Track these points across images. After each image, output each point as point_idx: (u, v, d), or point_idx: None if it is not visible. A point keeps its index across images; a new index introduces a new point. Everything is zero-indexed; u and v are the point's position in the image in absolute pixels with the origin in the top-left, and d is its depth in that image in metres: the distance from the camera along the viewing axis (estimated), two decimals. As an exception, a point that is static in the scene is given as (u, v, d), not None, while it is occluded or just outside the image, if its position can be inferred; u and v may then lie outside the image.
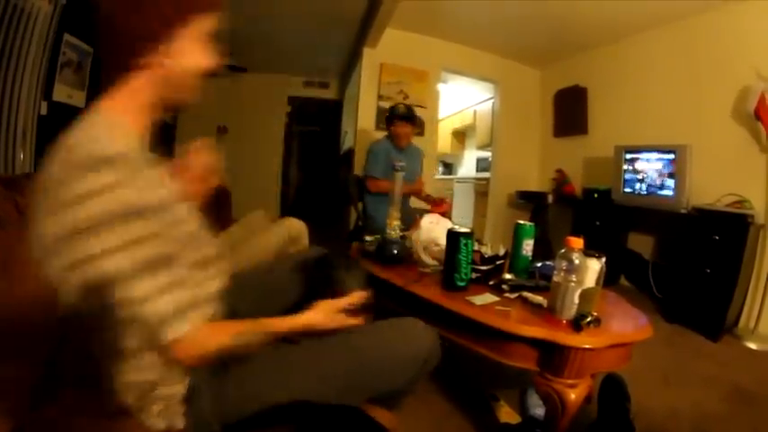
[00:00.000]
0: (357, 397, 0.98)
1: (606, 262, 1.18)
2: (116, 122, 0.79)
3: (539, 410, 1.47)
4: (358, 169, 4.31)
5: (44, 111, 3.62)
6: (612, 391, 1.43)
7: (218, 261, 0.97)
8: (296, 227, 1.79)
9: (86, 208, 0.66)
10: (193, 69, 0.84)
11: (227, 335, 0.84)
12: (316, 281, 1.19)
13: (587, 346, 1.10)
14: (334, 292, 1.04)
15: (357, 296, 1.03)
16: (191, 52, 0.83)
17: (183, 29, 0.80)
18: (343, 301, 1.01)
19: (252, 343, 0.89)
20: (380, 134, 4.47)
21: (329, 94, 7.16)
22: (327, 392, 0.94)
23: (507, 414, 1.57)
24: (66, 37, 3.77)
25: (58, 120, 3.77)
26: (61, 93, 3.85)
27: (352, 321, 1.02)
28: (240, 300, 1.07)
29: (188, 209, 0.88)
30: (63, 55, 3.79)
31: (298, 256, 1.46)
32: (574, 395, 1.14)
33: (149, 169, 0.77)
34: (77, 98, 4.09)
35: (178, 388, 0.85)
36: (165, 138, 6.61)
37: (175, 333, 0.74)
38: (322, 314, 0.98)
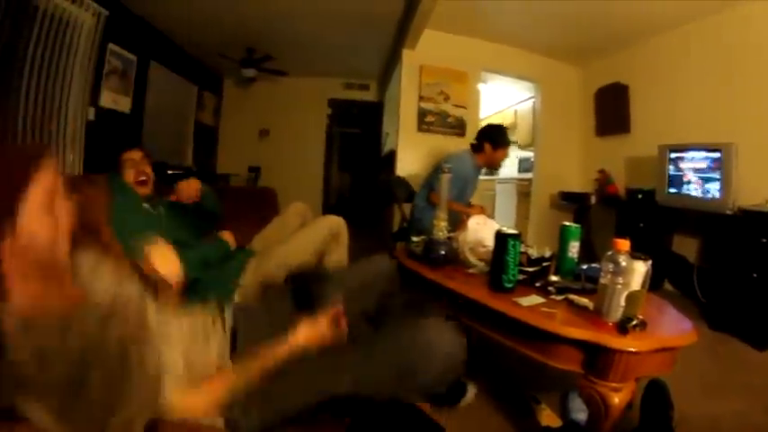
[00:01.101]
0: (392, 392, 1.04)
1: (651, 265, 1.18)
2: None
3: (580, 415, 1.47)
4: (401, 171, 4.36)
5: (92, 116, 3.88)
6: (656, 397, 1.42)
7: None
8: (336, 223, 1.85)
9: None
10: (43, 243, 0.75)
11: (223, 387, 0.92)
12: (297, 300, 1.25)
13: (632, 350, 1.09)
14: (310, 307, 1.12)
15: (329, 309, 1.11)
16: (32, 227, 0.74)
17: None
18: (321, 319, 1.09)
19: (247, 386, 0.96)
20: (423, 136, 4.56)
21: (369, 96, 7.23)
22: (365, 386, 1.00)
23: (548, 417, 1.57)
24: (111, 46, 4.03)
25: (105, 124, 4.04)
26: (107, 99, 4.12)
27: (333, 332, 1.10)
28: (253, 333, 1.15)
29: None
30: (108, 63, 4.05)
31: (373, 264, 1.57)
32: (617, 399, 1.14)
33: None
34: (123, 103, 4.37)
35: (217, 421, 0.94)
36: (209, 141, 6.83)
37: (163, 409, 0.81)
38: (302, 335, 1.06)
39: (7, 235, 0.72)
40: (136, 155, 1.83)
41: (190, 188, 1.94)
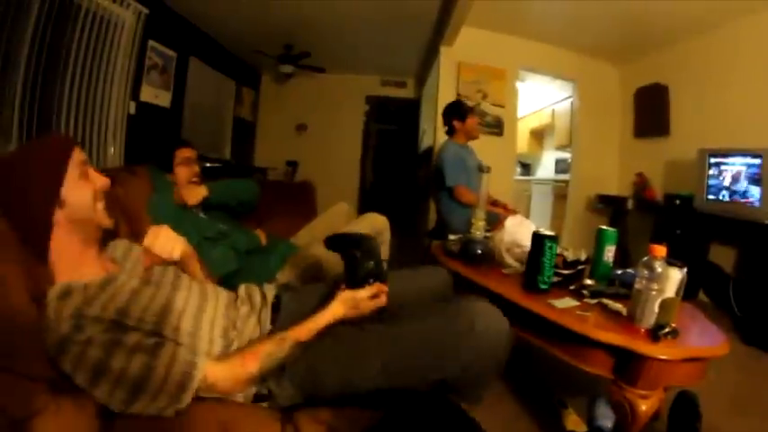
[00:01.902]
0: (410, 383, 0.99)
1: (686, 273, 1.17)
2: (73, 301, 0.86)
3: (605, 422, 1.47)
4: (434, 168, 4.41)
5: (132, 110, 4.02)
6: (684, 408, 1.40)
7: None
8: (380, 221, 1.88)
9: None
10: (86, 203, 0.95)
11: (255, 360, 0.93)
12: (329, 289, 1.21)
13: (663, 357, 1.09)
14: (353, 275, 1.09)
15: (377, 287, 1.09)
16: (75, 195, 0.93)
17: (63, 182, 0.91)
18: (363, 293, 1.07)
19: (282, 358, 0.97)
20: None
21: (406, 93, 7.24)
22: (380, 379, 0.99)
23: (574, 422, 1.56)
24: (151, 43, 4.17)
25: (146, 118, 4.18)
26: (148, 93, 4.26)
27: (375, 305, 1.09)
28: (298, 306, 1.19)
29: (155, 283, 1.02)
30: (148, 59, 4.18)
31: (432, 278, 1.50)
32: (645, 407, 1.15)
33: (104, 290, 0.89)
34: (163, 98, 4.50)
35: (249, 390, 0.98)
36: (247, 135, 6.97)
37: (195, 381, 0.85)
38: (343, 306, 1.06)
39: (56, 206, 0.89)
40: (190, 153, 1.84)
41: (191, 196, 1.83)
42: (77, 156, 0.95)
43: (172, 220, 1.42)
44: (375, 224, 1.87)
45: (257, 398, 0.99)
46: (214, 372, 0.89)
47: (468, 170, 3.04)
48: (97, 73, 3.65)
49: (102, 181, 0.99)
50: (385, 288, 1.11)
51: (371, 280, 1.09)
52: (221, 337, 1.03)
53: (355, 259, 1.10)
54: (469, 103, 3.29)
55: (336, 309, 1.06)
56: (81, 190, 0.94)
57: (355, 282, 1.09)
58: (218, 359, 0.94)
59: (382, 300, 1.11)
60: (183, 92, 4.95)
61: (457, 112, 3.22)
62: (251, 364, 0.93)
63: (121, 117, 3.94)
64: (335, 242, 1.19)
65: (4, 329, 0.79)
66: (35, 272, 0.90)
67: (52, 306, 0.83)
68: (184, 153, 1.82)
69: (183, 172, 1.80)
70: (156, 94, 4.42)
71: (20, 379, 0.77)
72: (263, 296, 1.22)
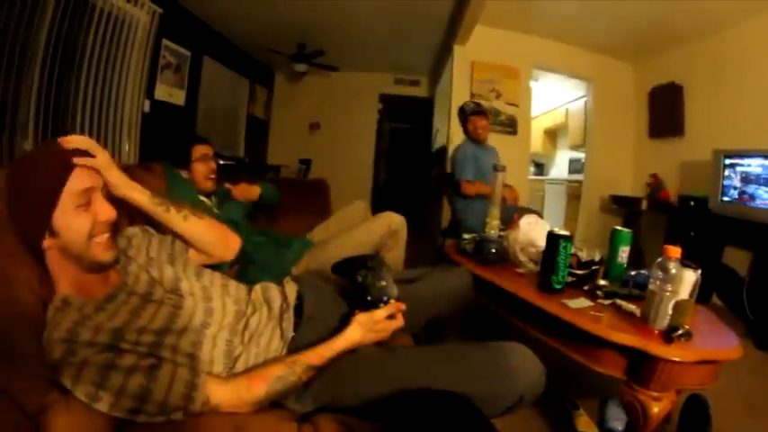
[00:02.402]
0: None
1: (701, 275, 1.17)
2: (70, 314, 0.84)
3: (616, 424, 1.47)
4: (450, 167, 4.43)
5: (147, 108, 4.08)
6: (695, 411, 1.40)
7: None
8: (396, 221, 1.86)
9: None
10: (80, 234, 0.86)
11: (263, 383, 0.90)
12: (348, 289, 1.17)
13: (676, 359, 1.09)
14: (365, 298, 1.06)
15: (394, 306, 1.06)
16: (70, 223, 0.85)
17: (55, 209, 0.84)
18: (380, 314, 1.04)
19: (293, 382, 0.93)
20: None
21: (420, 91, 7.24)
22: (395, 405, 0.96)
23: (585, 423, 1.57)
24: (165, 42, 4.22)
25: (160, 116, 4.23)
26: (162, 92, 4.32)
27: (394, 327, 1.07)
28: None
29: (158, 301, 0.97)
30: (163, 58, 4.24)
31: (454, 280, 1.49)
32: (657, 408, 1.15)
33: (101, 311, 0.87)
34: (177, 96, 4.56)
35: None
36: (260, 133, 7.01)
37: (197, 402, 0.83)
38: (360, 330, 1.03)
39: (47, 233, 0.84)
40: (207, 150, 1.85)
41: (249, 193, 2.01)
42: (78, 182, 0.87)
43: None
44: (391, 223, 1.85)
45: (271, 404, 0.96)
46: (217, 393, 0.87)
47: (483, 168, 3.09)
48: (112, 71, 3.70)
49: (105, 214, 0.90)
50: (402, 306, 1.08)
51: (385, 299, 1.06)
52: (224, 356, 0.98)
53: (365, 281, 1.07)
54: (471, 105, 3.32)
55: (353, 334, 1.03)
56: (75, 222, 0.86)
57: (369, 303, 1.06)
58: (224, 380, 0.92)
59: (399, 321, 1.09)
60: (197, 90, 5.01)
61: (459, 116, 3.36)
62: (257, 387, 0.90)
63: (136, 115, 4.00)
64: (342, 267, 1.16)
65: (17, 329, 0.81)
66: (47, 277, 0.91)
67: (50, 318, 0.83)
68: (202, 149, 1.83)
69: (201, 168, 1.81)
70: (170, 93, 4.49)
71: (34, 376, 0.79)
72: (285, 297, 1.19)
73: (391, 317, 1.07)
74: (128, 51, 3.81)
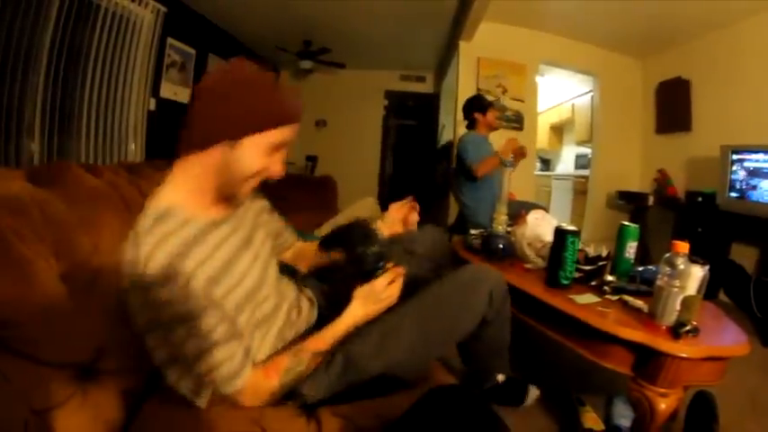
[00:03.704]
0: (438, 348, 1.11)
1: (708, 271, 1.17)
2: (166, 228, 0.85)
3: (623, 421, 1.47)
4: (455, 159, 4.41)
5: (152, 106, 4.11)
6: (702, 408, 1.40)
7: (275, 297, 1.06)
8: (369, 201, 1.90)
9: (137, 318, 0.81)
10: (248, 169, 0.89)
11: (276, 374, 0.92)
12: (341, 265, 1.15)
13: (684, 355, 1.09)
14: (361, 268, 1.03)
15: (393, 272, 1.04)
16: (251, 155, 0.87)
17: (255, 135, 0.87)
18: (380, 282, 1.02)
19: (301, 371, 0.96)
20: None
21: (425, 87, 7.23)
22: (411, 352, 1.03)
23: (592, 420, 1.56)
24: (170, 41, 4.25)
25: (165, 114, 4.25)
26: (167, 90, 4.34)
27: (396, 291, 1.05)
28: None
29: (250, 261, 0.99)
30: (168, 57, 4.27)
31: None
32: (664, 405, 1.15)
33: (203, 240, 0.88)
34: (182, 95, 4.57)
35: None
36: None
37: (234, 388, 0.86)
38: (362, 305, 1.03)
39: (229, 142, 0.86)
40: None
41: None
42: (288, 133, 0.91)
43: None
44: (366, 205, 1.89)
45: (285, 396, 0.98)
46: (246, 382, 0.88)
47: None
48: (117, 70, 3.73)
49: (278, 172, 0.93)
50: (402, 270, 1.06)
51: (382, 263, 1.03)
52: (275, 339, 1.02)
53: (356, 248, 1.03)
54: (489, 98, 3.29)
55: (355, 310, 1.03)
56: (254, 158, 0.88)
57: (367, 272, 1.02)
58: (252, 370, 0.92)
59: (399, 284, 1.05)
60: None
61: (479, 105, 3.27)
62: (272, 379, 0.92)
63: (142, 113, 4.02)
64: (329, 241, 1.14)
65: (29, 315, 0.79)
66: (65, 248, 0.91)
67: (148, 228, 0.82)
68: None
69: None
70: (175, 91, 4.50)
71: (45, 368, 0.79)
72: (308, 299, 1.22)
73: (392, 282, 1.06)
74: (132, 50, 3.83)
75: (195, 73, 4.81)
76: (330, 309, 1.12)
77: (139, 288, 0.78)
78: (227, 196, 0.94)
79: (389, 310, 1.06)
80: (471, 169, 3.03)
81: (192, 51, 4.71)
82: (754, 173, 3.12)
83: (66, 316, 0.86)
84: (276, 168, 0.92)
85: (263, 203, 1.15)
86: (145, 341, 0.82)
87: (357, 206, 2.19)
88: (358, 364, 1.00)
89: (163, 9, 3.99)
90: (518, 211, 1.92)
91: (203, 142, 0.87)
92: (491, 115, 3.24)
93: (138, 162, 2.21)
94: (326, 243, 1.15)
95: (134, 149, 3.97)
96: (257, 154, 0.88)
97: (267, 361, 0.97)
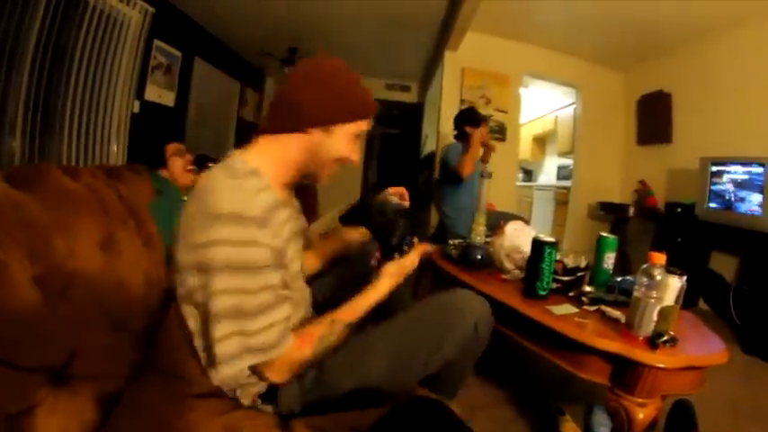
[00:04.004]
0: (413, 371, 1.04)
1: (686, 282, 1.17)
2: (255, 183, 0.92)
3: (603, 430, 1.47)
4: (439, 168, 4.39)
5: (136, 109, 4.02)
6: (681, 417, 1.40)
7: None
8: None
9: (211, 252, 0.81)
10: (336, 154, 1.00)
11: (310, 344, 0.95)
12: (373, 236, 1.19)
13: (661, 365, 1.09)
14: (388, 243, 1.08)
15: (421, 248, 1.13)
16: (341, 141, 0.99)
17: (347, 123, 0.98)
18: (411, 259, 1.11)
19: (333, 341, 0.99)
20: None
21: (410, 97, 7.25)
22: (384, 371, 1.01)
23: (571, 429, 1.57)
24: (157, 42, 4.17)
25: (150, 117, 4.17)
26: (152, 93, 4.26)
27: (415, 266, 1.12)
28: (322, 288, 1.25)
29: (296, 250, 1.06)
30: (154, 59, 4.19)
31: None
32: (642, 414, 1.15)
33: (267, 225, 0.90)
34: (167, 98, 4.51)
35: (261, 385, 0.99)
36: (249, 137, 7.03)
37: (279, 353, 0.88)
38: (390, 280, 1.09)
39: (322, 127, 0.97)
40: (180, 146, 1.95)
41: None
42: (366, 124, 1.03)
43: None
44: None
45: (264, 397, 0.99)
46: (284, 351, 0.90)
47: (472, 174, 3.04)
48: (102, 70, 3.65)
49: (357, 158, 1.05)
50: (429, 248, 1.14)
51: (408, 238, 1.08)
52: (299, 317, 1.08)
53: (385, 224, 1.08)
54: (479, 113, 3.24)
55: (383, 286, 1.08)
56: (340, 144, 0.99)
57: (393, 248, 1.07)
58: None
59: (415, 261, 1.13)
60: (187, 92, 4.96)
61: (471, 118, 3.17)
62: (306, 348, 0.95)
63: (125, 115, 3.94)
64: (354, 215, 1.20)
65: (4, 319, 0.78)
66: (39, 251, 0.90)
67: (232, 177, 0.88)
68: (175, 146, 1.93)
69: (178, 162, 1.89)
70: (160, 94, 4.43)
71: (18, 372, 0.77)
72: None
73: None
74: (119, 51, 3.76)
75: (180, 76, 4.75)
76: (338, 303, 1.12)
77: (224, 225, 0.80)
78: (306, 175, 1.04)
79: (370, 326, 1.08)
80: (456, 171, 3.00)
81: (179, 54, 4.65)
82: (732, 184, 3.17)
83: (39, 320, 0.84)
84: (355, 156, 1.04)
85: (297, 203, 1.19)
86: (192, 298, 0.87)
87: (329, 215, 2.19)
88: (331, 377, 0.99)
89: (151, 10, 3.93)
90: (497, 222, 1.92)
91: (301, 123, 0.96)
92: (484, 130, 3.15)
93: (117, 165, 2.19)
94: (350, 216, 1.22)
95: (116, 151, 3.89)
96: (345, 141, 1.00)
97: (299, 330, 0.98)
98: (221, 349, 0.83)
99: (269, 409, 0.99)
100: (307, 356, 0.94)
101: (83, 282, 0.98)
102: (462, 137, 3.19)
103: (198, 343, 0.93)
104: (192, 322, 0.92)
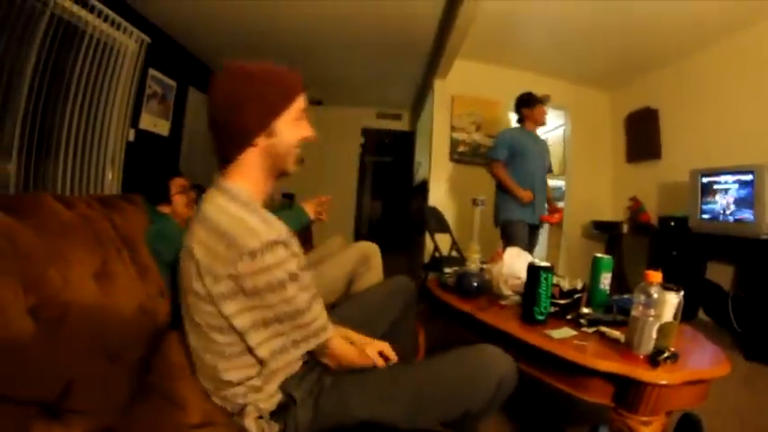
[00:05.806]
0: (432, 417, 1.06)
1: (684, 295, 1.18)
2: (251, 206, 0.98)
3: None
4: (433, 201, 4.41)
5: (131, 137, 4.05)
6: (689, 430, 1.39)
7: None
8: (367, 247, 1.93)
9: (267, 276, 0.90)
10: (292, 142, 1.04)
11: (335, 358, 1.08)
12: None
13: (663, 383, 1.08)
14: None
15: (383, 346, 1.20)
16: (288, 129, 1.02)
17: (281, 115, 1.01)
18: (360, 358, 1.14)
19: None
20: (455, 166, 4.72)
21: (401, 125, 7.33)
22: (404, 411, 1.03)
23: None
24: (152, 72, 4.23)
25: (144, 145, 4.21)
26: (147, 121, 4.31)
27: (373, 361, 1.15)
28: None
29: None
30: (149, 88, 4.25)
31: (390, 284, 1.64)
32: None
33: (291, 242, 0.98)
34: (161, 126, 4.56)
35: (272, 402, 1.00)
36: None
37: (326, 336, 1.01)
38: (348, 350, 1.13)
39: (265, 133, 1.01)
40: (185, 182, 1.95)
41: None
42: (303, 101, 1.05)
43: (179, 240, 1.49)
44: (362, 250, 1.92)
45: (280, 408, 1.02)
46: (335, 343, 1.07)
47: (524, 152, 3.30)
48: (98, 99, 3.69)
49: (310, 133, 1.08)
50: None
51: None
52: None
53: None
54: (539, 95, 3.47)
55: (344, 347, 1.14)
56: (288, 134, 1.02)
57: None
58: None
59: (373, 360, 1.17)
60: (181, 121, 5.02)
61: (526, 101, 3.45)
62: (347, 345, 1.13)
63: (120, 144, 3.96)
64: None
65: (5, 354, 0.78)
66: (34, 282, 0.89)
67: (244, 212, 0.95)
68: (180, 182, 1.92)
69: (181, 199, 1.90)
70: (154, 123, 4.48)
71: (11, 405, 0.77)
72: None
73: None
74: (115, 79, 3.81)
75: (175, 105, 4.81)
76: None
77: (264, 254, 0.89)
78: (277, 174, 1.08)
79: (396, 369, 1.15)
80: (490, 160, 3.37)
81: (173, 83, 4.72)
82: (723, 194, 3.22)
83: (34, 351, 0.83)
84: (308, 132, 1.07)
85: None
86: (224, 308, 0.92)
87: (326, 246, 2.22)
88: (350, 406, 1.03)
89: (147, 39, 4.01)
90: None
91: (243, 141, 1.00)
92: (538, 111, 3.41)
93: (112, 195, 2.19)
94: None
95: (111, 179, 3.89)
96: (292, 128, 1.03)
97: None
98: (260, 354, 0.95)
99: (275, 428, 1.00)
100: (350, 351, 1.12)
101: (78, 312, 0.98)
102: (521, 120, 3.50)
103: (213, 363, 0.98)
104: (218, 347, 0.97)
